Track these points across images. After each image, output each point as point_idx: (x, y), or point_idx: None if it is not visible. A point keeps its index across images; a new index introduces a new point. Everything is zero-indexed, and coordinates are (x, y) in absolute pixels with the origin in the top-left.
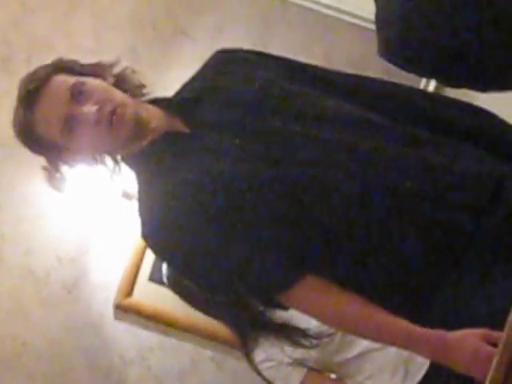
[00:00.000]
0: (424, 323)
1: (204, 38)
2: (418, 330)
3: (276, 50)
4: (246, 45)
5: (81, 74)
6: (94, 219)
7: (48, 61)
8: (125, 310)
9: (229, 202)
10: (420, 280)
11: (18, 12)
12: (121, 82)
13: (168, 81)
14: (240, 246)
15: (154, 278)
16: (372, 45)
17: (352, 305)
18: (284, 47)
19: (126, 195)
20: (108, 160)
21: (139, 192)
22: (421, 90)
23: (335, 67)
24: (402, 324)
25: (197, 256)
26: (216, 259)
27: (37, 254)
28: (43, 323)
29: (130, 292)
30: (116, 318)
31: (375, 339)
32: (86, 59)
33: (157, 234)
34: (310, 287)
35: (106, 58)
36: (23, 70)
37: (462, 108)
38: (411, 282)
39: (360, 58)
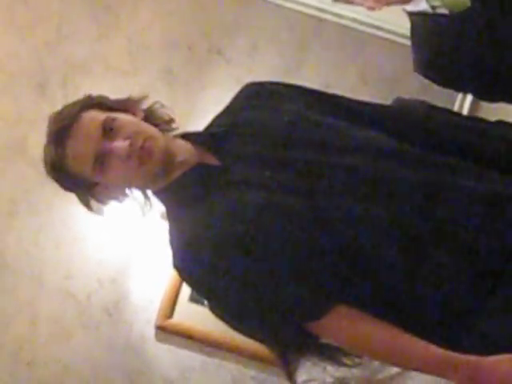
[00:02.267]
0: (458, 349)
1: (239, 58)
2: (453, 355)
3: (311, 68)
4: (281, 64)
5: (110, 109)
6: (134, 241)
7: (83, 84)
8: (166, 331)
9: (260, 233)
10: (456, 306)
11: (53, 36)
12: (150, 116)
13: (203, 101)
14: (271, 276)
15: (194, 298)
16: (408, 61)
17: (385, 333)
18: (319, 66)
19: (165, 217)
20: (139, 195)
21: (170, 225)
22: (447, 118)
23: (370, 85)
24: (437, 351)
25: (227, 288)
26: (247, 290)
27: (77, 277)
28: (85, 346)
29: (171, 313)
30: (157, 339)
31: (409, 367)
32: (122, 82)
33: (187, 267)
34: (342, 316)
35: (141, 79)
36: (59, 95)
37: (487, 133)
38: (447, 309)
39: (396, 74)
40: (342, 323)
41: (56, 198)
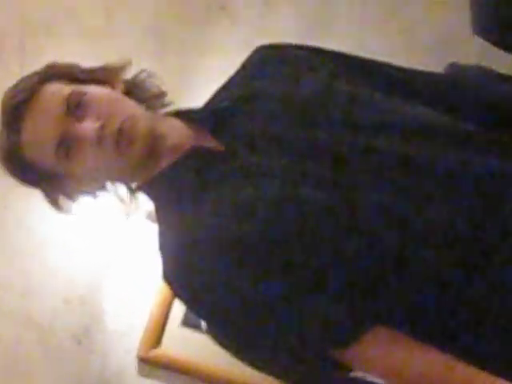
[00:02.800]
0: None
1: (247, 16)
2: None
3: (338, 28)
4: (300, 23)
5: (80, 81)
6: (110, 248)
7: (46, 49)
8: (152, 364)
9: (275, 236)
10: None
11: None
12: (134, 89)
13: (202, 70)
14: (290, 291)
15: (189, 322)
16: (464, 18)
17: (439, 363)
18: (349, 25)
19: (152, 217)
20: (120, 189)
21: (159, 226)
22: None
23: (416, 48)
24: (489, 379)
25: (234, 305)
26: (260, 308)
27: (37, 295)
28: (48, 383)
29: (157, 340)
30: (140, 373)
31: None
32: (95, 45)
33: (181, 278)
34: (381, 340)
35: (121, 43)
36: (14, 64)
37: None
38: (502, 331)
39: (449, 35)
40: (381, 349)
41: (10, 194)
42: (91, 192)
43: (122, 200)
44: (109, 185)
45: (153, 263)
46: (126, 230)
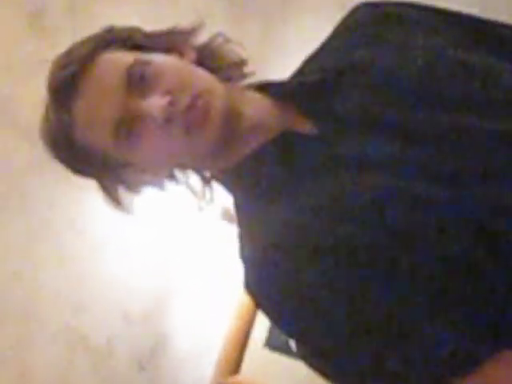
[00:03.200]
0: None
1: (328, 7)
2: None
3: None
4: None
5: (143, 48)
6: (179, 254)
7: (100, 13)
8: None
9: (383, 239)
10: None
11: None
12: (208, 57)
13: (287, 35)
14: (398, 309)
15: (274, 343)
16: None
17: None
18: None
19: (229, 217)
20: (192, 178)
21: (240, 225)
22: None
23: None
24: None
25: (332, 323)
26: (365, 327)
27: (91, 311)
28: None
29: (236, 366)
30: None
31: None
32: (159, 9)
33: (267, 288)
34: (505, 364)
35: (189, 5)
36: (62, 30)
37: None
38: None
39: None
40: (507, 373)
41: (58, 191)
42: (157, 182)
43: (193, 191)
44: (178, 173)
45: (231, 271)
46: (197, 232)
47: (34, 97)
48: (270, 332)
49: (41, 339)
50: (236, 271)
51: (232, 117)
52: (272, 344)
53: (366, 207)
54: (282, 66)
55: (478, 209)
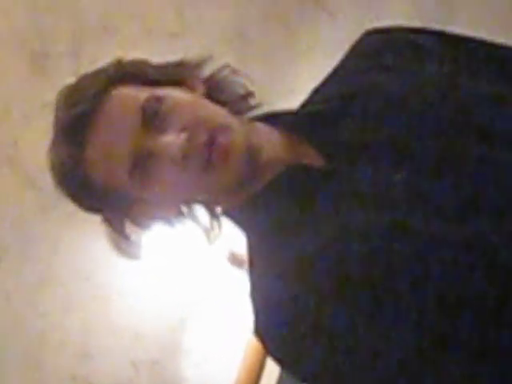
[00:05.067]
0: None
1: (348, 10)
2: None
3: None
4: (421, 10)
5: (154, 82)
6: (187, 299)
7: (102, 55)
8: None
9: (391, 283)
10: None
11: None
12: (215, 90)
13: (294, 81)
14: (419, 353)
15: None
16: None
17: None
18: (473, 22)
19: (235, 260)
20: (201, 213)
21: (250, 263)
22: None
23: None
24: None
25: (350, 368)
26: (379, 375)
27: (98, 359)
28: None
29: None
30: None
31: None
32: (162, 46)
33: (278, 333)
34: None
35: (191, 44)
36: (65, 71)
37: None
38: None
39: None
40: None
41: (63, 237)
42: (167, 218)
43: (202, 226)
44: (187, 210)
45: (238, 317)
46: (205, 276)
47: (36, 141)
48: (280, 380)
49: None
50: (244, 317)
51: (253, 151)
52: None
53: (370, 245)
54: (296, 90)
55: (490, 245)
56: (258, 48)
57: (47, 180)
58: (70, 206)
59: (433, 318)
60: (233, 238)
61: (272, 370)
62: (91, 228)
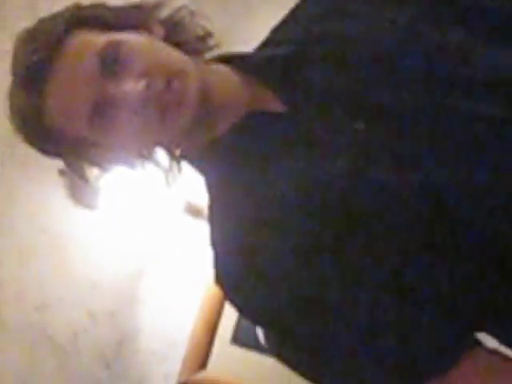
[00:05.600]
0: None
1: None
2: None
3: None
4: None
5: (113, 26)
6: (144, 249)
7: (56, 6)
8: None
9: (350, 227)
10: None
11: None
12: (174, 32)
13: (249, 31)
14: (375, 300)
15: (241, 338)
16: None
17: None
18: None
19: (192, 210)
20: (161, 155)
21: (210, 208)
22: None
23: None
24: None
25: (308, 311)
26: (339, 321)
27: (55, 309)
28: None
29: (203, 362)
30: None
31: None
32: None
33: (240, 282)
34: (480, 366)
35: None
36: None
37: None
38: None
39: None
40: (481, 377)
41: (18, 186)
42: (127, 160)
43: (162, 168)
44: (147, 152)
45: (195, 266)
46: (161, 227)
47: None
48: (237, 328)
49: (3, 339)
50: (201, 267)
51: (206, 96)
52: (239, 340)
53: (330, 190)
54: (251, 36)
55: (444, 192)
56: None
57: (4, 129)
58: (25, 156)
59: (391, 266)
60: (190, 188)
61: (229, 319)
62: (47, 178)
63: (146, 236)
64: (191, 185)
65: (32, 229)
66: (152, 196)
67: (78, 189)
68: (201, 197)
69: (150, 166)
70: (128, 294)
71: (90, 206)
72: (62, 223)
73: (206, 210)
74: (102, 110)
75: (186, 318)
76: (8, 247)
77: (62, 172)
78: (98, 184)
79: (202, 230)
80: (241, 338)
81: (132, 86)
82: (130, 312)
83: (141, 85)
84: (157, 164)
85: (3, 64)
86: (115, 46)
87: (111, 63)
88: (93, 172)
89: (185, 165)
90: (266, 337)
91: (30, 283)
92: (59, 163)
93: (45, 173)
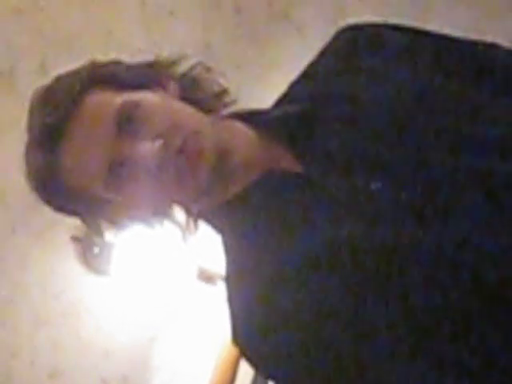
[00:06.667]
0: None
1: (315, 26)
2: None
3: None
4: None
5: (128, 85)
6: (157, 315)
7: (72, 66)
8: None
9: (366, 289)
10: None
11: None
12: (190, 89)
13: (262, 91)
14: (393, 362)
15: None
16: None
17: None
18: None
19: (205, 277)
20: (178, 213)
21: (227, 267)
22: None
23: None
24: None
25: (329, 377)
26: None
27: (68, 376)
28: None
29: None
30: None
31: None
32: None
33: (258, 341)
34: None
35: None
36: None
37: None
38: None
39: None
40: None
41: (31, 253)
42: (143, 218)
43: (179, 225)
44: (163, 210)
45: (207, 333)
46: (174, 293)
47: (5, 158)
48: None
49: None
50: (213, 333)
51: (222, 155)
52: None
53: (350, 255)
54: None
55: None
56: (226, 63)
57: (17, 197)
58: (37, 224)
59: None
60: (202, 254)
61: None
62: (60, 246)
63: (158, 303)
64: (204, 251)
65: (45, 296)
66: (165, 262)
67: (91, 255)
68: (213, 263)
69: (166, 226)
70: (141, 360)
71: (102, 272)
72: (74, 290)
73: (218, 276)
74: (117, 170)
75: (199, 381)
76: (21, 314)
77: (74, 239)
78: (112, 250)
79: (214, 296)
80: None
81: (149, 147)
82: (143, 379)
83: (157, 145)
84: (174, 222)
85: (15, 132)
86: (131, 107)
87: (127, 124)
88: (107, 236)
89: (199, 230)
90: None
91: (43, 350)
92: (71, 231)
93: (57, 240)
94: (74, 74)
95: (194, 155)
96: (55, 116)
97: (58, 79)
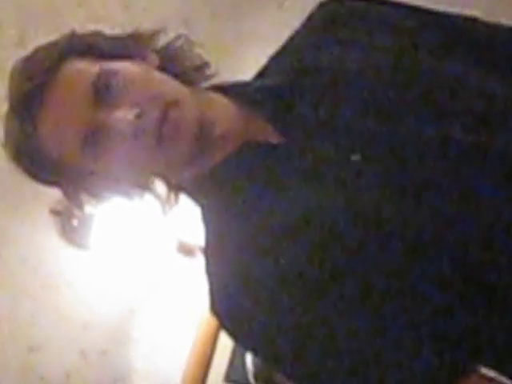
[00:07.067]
0: None
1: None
2: None
3: None
4: None
5: (107, 55)
6: (136, 288)
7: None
8: None
9: (348, 258)
10: None
11: None
12: (171, 61)
13: (241, 64)
14: (367, 329)
15: (233, 377)
16: None
17: None
18: None
19: (185, 250)
20: (158, 185)
21: (206, 238)
22: None
23: None
24: None
25: (304, 343)
26: (333, 348)
27: (47, 349)
28: None
29: None
30: None
31: None
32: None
33: (236, 310)
34: None
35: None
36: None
37: None
38: None
39: None
40: None
41: (11, 226)
42: (121, 191)
43: (159, 197)
44: (143, 181)
45: (187, 306)
46: (154, 265)
47: None
48: (230, 367)
49: None
50: (193, 306)
51: (203, 127)
52: (232, 378)
53: (327, 223)
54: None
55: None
56: (204, 36)
57: None
58: (16, 197)
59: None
60: (182, 227)
61: (222, 358)
62: (39, 219)
63: (137, 275)
64: (184, 224)
65: (24, 269)
66: (144, 235)
67: (70, 228)
68: (193, 236)
69: (146, 198)
70: (120, 333)
71: (81, 245)
72: (53, 263)
73: (198, 249)
74: (93, 137)
75: (178, 357)
76: (0, 288)
77: (53, 212)
78: (91, 223)
79: (194, 269)
80: (234, 377)
81: (123, 115)
82: (122, 351)
83: (132, 113)
84: (154, 194)
85: None
86: (109, 75)
87: (105, 92)
88: (87, 209)
89: (178, 203)
90: (255, 374)
91: (22, 323)
92: (51, 204)
93: (36, 213)
94: (53, 44)
95: (175, 125)
96: (32, 84)
97: (37, 50)
